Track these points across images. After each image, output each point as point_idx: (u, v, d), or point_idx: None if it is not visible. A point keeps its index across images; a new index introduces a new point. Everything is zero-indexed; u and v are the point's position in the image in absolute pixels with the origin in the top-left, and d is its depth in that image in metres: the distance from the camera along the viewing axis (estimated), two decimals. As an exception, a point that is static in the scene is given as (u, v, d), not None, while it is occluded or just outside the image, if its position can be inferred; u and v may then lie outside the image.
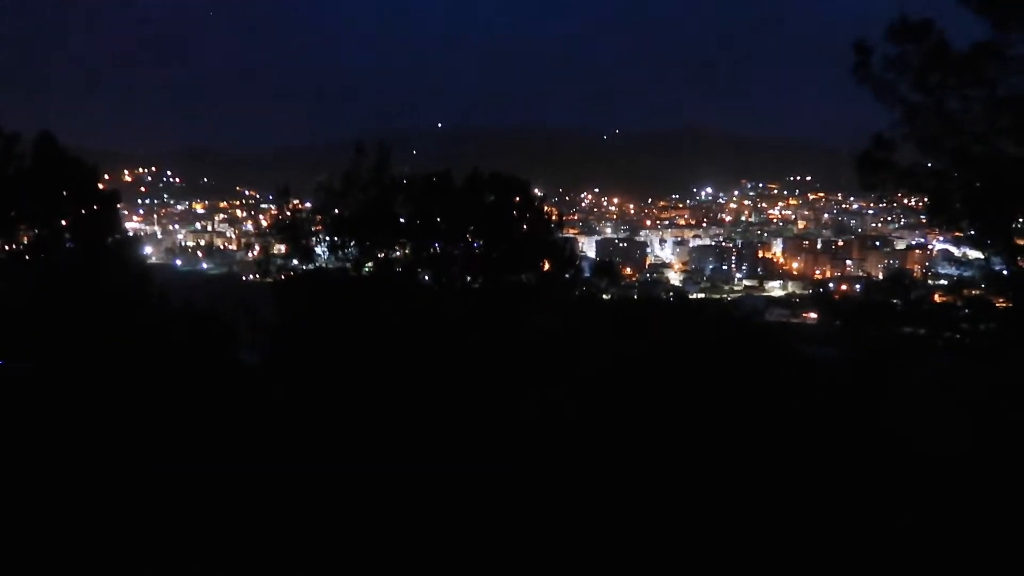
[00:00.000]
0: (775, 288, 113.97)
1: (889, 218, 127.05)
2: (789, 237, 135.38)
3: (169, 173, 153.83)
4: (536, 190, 20.44)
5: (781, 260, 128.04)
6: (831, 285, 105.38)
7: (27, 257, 16.61)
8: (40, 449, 12.27)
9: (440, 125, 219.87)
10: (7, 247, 17.01)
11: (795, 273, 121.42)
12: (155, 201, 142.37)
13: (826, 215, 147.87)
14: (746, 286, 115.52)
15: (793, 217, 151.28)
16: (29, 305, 15.42)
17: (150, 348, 15.70)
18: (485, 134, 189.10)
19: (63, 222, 17.27)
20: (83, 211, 17.54)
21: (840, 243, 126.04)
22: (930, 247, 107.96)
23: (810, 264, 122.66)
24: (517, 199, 18.86)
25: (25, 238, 16.92)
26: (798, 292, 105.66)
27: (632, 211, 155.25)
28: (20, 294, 15.89)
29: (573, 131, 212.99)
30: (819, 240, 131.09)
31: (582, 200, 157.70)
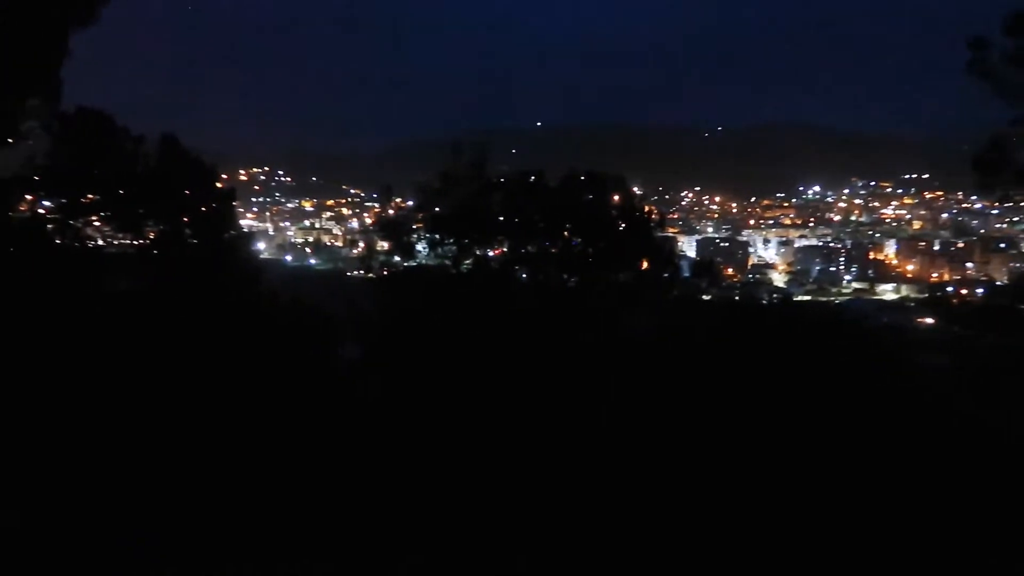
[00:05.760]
0: (887, 291, 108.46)
1: (1016, 219, 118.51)
2: (903, 238, 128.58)
3: (281, 172, 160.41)
4: (635, 188, 20.26)
5: (894, 262, 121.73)
6: (949, 289, 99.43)
7: (153, 252, 17.70)
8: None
9: (539, 124, 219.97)
10: (135, 242, 18.21)
11: (909, 276, 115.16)
12: (267, 199, 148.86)
13: (944, 215, 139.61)
14: (855, 289, 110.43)
15: (908, 217, 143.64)
16: (154, 297, 16.48)
17: (260, 340, 16.47)
18: (585, 132, 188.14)
19: (185, 219, 18.33)
20: (203, 208, 18.56)
21: (960, 245, 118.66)
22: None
23: (926, 267, 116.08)
24: (615, 197, 18.76)
25: (151, 234, 18.05)
26: (912, 296, 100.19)
27: (734, 210, 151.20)
28: (147, 286, 17.00)
29: (674, 129, 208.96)
30: (936, 241, 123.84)
31: (682, 199, 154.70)
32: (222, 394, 14.52)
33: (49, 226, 16.51)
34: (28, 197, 16.69)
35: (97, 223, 17.59)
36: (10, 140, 14.42)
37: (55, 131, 16.02)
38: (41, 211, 16.95)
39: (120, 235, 18.26)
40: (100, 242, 18.10)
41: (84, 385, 13.26)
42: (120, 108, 17.87)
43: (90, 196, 17.20)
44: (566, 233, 18.04)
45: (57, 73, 13.91)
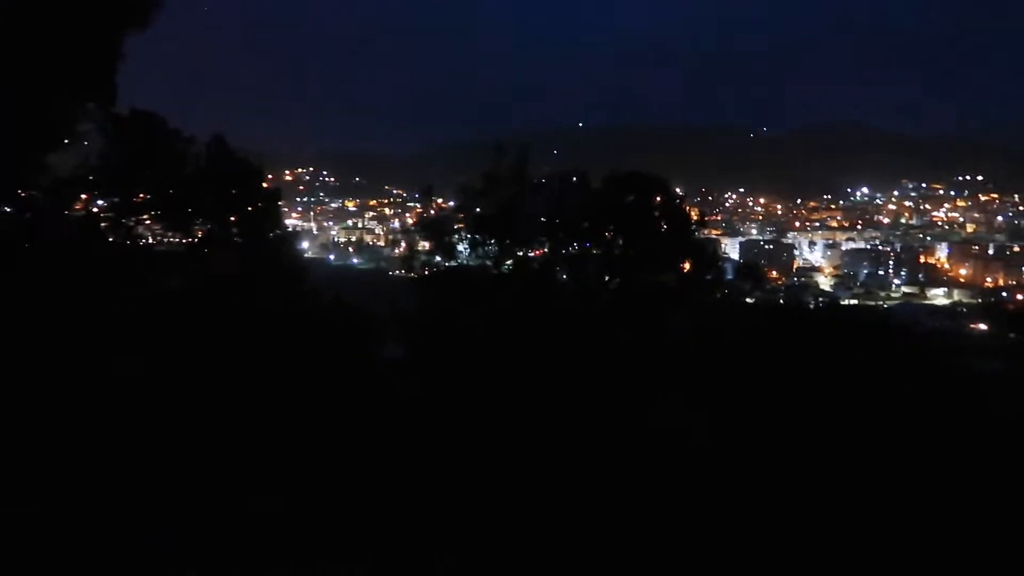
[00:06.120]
0: (938, 296, 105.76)
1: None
2: (956, 241, 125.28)
3: (325, 173, 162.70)
4: (677, 189, 20.12)
5: (946, 266, 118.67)
6: (1004, 294, 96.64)
7: (201, 250, 18.09)
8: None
9: (581, 124, 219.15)
10: (183, 240, 18.64)
11: (962, 280, 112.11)
12: (312, 199, 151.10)
13: (1000, 218, 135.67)
14: (905, 293, 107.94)
15: (961, 220, 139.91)
16: (202, 294, 16.84)
17: (304, 338, 16.71)
18: (628, 133, 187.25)
19: (232, 218, 18.70)
20: (249, 208, 18.91)
21: (1016, 248, 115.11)
22: None
23: (980, 271, 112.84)
24: (657, 198, 18.63)
25: (199, 232, 18.46)
26: (965, 301, 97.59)
27: (779, 212, 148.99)
28: (194, 284, 17.39)
29: (718, 129, 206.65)
30: (991, 245, 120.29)
31: (726, 200, 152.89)
32: (265, 391, 14.77)
33: (102, 224, 16.99)
34: (83, 196, 17.19)
35: (148, 221, 18.06)
36: (67, 141, 14.87)
37: (109, 132, 16.49)
38: (95, 209, 17.46)
39: (169, 233, 18.72)
40: (150, 240, 18.57)
41: (133, 378, 13.61)
42: (171, 107, 18.36)
43: (141, 195, 17.67)
44: (608, 234, 17.97)
45: (112, 76, 14.28)
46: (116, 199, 17.28)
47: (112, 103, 15.18)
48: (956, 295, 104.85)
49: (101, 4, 12.74)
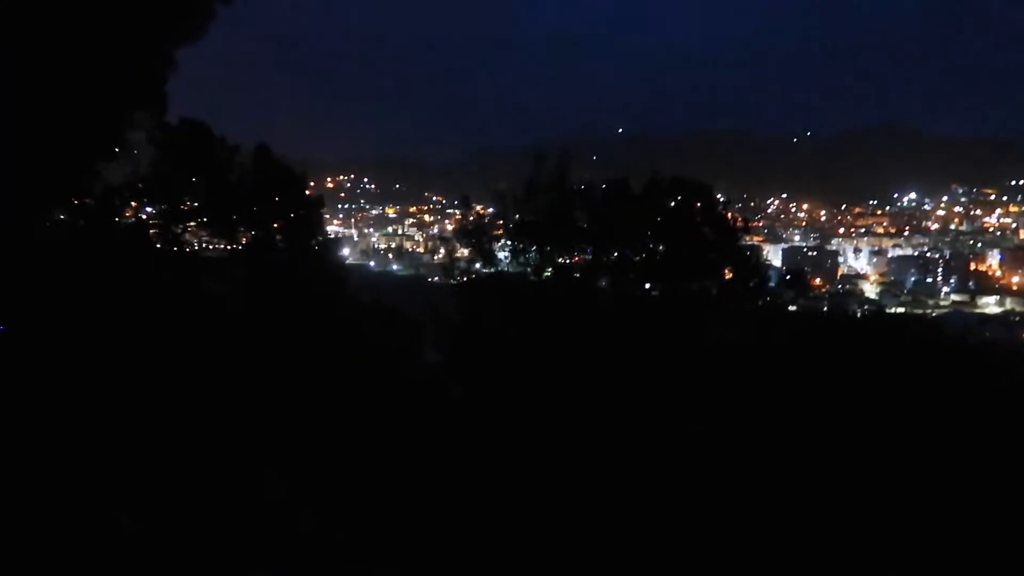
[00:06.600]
0: (990, 304, 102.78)
1: None
2: (1008, 248, 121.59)
3: (366, 180, 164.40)
4: (718, 195, 19.79)
5: (998, 273, 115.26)
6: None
7: (246, 256, 18.39)
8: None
9: (620, 130, 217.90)
10: (228, 247, 18.98)
11: (1015, 288, 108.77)
12: (353, 206, 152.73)
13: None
14: (954, 301, 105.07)
15: (1014, 226, 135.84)
16: (246, 299, 17.12)
17: (345, 342, 16.87)
18: (668, 138, 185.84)
19: (275, 225, 19.00)
20: (292, 215, 19.20)
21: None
22: None
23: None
24: (698, 204, 18.42)
25: (244, 239, 18.78)
26: (1018, 309, 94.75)
27: (823, 218, 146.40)
28: (239, 289, 17.69)
29: (760, 135, 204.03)
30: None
31: (768, 206, 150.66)
32: (307, 393, 14.94)
33: (151, 231, 17.38)
34: (133, 204, 17.61)
35: (194, 228, 18.43)
36: (118, 149, 15.22)
37: (158, 141, 16.86)
38: (144, 216, 17.87)
39: (215, 240, 19.07)
40: (196, 246, 18.94)
41: (178, 378, 13.86)
42: (210, 115, 18.68)
43: (188, 203, 18.04)
44: (649, 241, 17.82)
45: (163, 87, 14.55)
46: (164, 206, 17.66)
47: (163, 113, 15.49)
48: (1009, 303, 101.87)
49: (156, 15, 13.00)
